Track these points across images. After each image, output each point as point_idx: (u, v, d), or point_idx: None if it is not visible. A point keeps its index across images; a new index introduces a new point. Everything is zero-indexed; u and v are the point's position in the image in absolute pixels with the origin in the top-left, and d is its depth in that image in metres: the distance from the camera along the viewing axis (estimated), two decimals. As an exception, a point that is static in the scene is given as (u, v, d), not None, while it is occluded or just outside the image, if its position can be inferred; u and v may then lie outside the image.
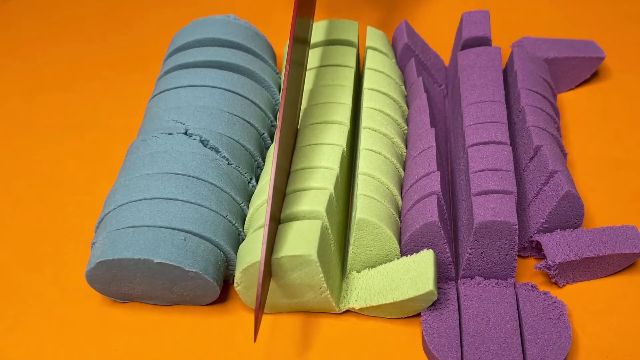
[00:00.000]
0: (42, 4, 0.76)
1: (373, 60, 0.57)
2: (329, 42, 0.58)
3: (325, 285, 0.45)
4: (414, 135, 0.53)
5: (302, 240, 0.44)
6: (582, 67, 0.61)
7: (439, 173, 0.48)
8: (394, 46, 0.61)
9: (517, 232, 0.45)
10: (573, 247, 0.47)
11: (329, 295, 0.45)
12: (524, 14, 0.71)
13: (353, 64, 0.56)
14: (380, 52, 0.59)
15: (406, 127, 0.54)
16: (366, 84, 0.55)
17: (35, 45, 0.71)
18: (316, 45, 0.58)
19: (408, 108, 0.56)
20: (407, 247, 0.47)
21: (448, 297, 0.47)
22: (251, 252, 0.44)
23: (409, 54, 0.60)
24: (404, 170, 0.52)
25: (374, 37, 0.59)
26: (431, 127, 0.53)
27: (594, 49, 0.61)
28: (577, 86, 0.62)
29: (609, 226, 0.49)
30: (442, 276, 0.48)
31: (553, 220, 0.49)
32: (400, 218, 0.49)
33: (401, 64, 0.60)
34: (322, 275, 0.44)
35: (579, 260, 0.47)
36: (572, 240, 0.48)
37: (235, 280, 0.45)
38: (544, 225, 0.49)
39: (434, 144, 0.51)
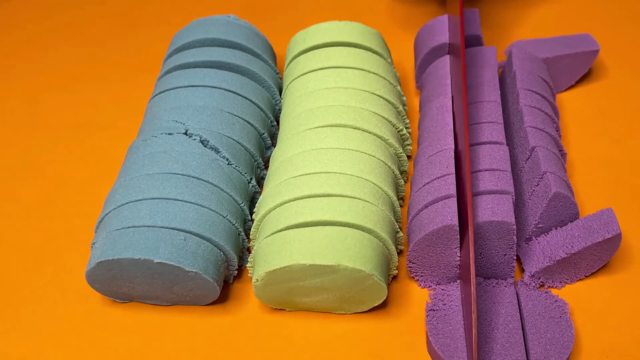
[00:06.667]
0: (43, 5, 0.76)
1: (367, 61, 0.57)
2: (330, 44, 0.58)
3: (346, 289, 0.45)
4: (432, 133, 0.53)
5: (354, 253, 0.44)
6: (579, 63, 0.61)
7: (454, 175, 0.48)
8: (417, 48, 0.61)
9: (515, 231, 0.45)
10: (547, 252, 0.47)
11: (342, 298, 0.46)
12: (519, 14, 0.71)
13: (355, 65, 0.56)
14: (375, 52, 0.58)
15: (401, 127, 0.54)
16: (359, 85, 0.55)
17: (35, 46, 0.71)
18: (317, 47, 0.58)
19: (426, 103, 0.56)
20: (419, 247, 0.46)
21: (452, 298, 0.47)
22: (279, 253, 0.44)
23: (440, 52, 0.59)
24: (415, 168, 0.52)
25: (368, 37, 0.59)
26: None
27: (588, 42, 0.60)
28: (577, 84, 0.62)
29: (585, 216, 0.48)
30: (447, 277, 0.48)
31: (547, 221, 0.48)
32: (395, 218, 0.49)
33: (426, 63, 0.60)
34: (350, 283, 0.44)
35: (555, 263, 0.47)
36: (546, 245, 0.47)
37: (254, 277, 0.45)
38: (539, 226, 0.49)
39: (453, 146, 0.50)
